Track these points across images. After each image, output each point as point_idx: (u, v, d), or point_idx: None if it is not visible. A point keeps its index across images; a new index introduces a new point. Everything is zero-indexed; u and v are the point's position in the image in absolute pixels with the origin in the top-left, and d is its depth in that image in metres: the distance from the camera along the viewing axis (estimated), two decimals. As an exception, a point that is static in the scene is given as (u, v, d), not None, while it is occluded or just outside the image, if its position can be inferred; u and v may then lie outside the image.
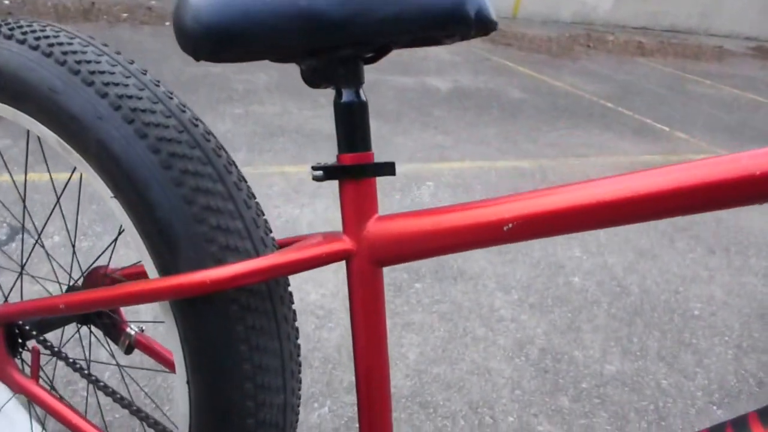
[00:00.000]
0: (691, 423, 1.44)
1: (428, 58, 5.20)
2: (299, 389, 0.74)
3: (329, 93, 3.21)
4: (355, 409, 1.36)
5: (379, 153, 2.98)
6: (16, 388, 0.88)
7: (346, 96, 0.60)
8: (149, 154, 0.63)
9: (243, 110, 3.28)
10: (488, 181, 2.77)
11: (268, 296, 0.66)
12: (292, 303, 0.71)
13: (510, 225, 0.54)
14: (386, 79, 4.30)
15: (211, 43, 0.55)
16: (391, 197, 2.49)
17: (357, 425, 1.32)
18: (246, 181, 0.70)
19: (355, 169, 0.61)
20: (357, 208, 0.62)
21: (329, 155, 2.84)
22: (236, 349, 0.65)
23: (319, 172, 0.61)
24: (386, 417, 0.68)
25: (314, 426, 1.32)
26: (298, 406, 0.75)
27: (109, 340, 0.98)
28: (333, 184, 2.51)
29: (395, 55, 5.09)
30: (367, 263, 0.62)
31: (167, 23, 5.15)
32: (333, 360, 1.50)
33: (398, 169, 2.80)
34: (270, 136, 2.97)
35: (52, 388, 0.95)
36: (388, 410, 0.68)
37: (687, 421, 1.45)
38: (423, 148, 3.09)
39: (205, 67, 4.00)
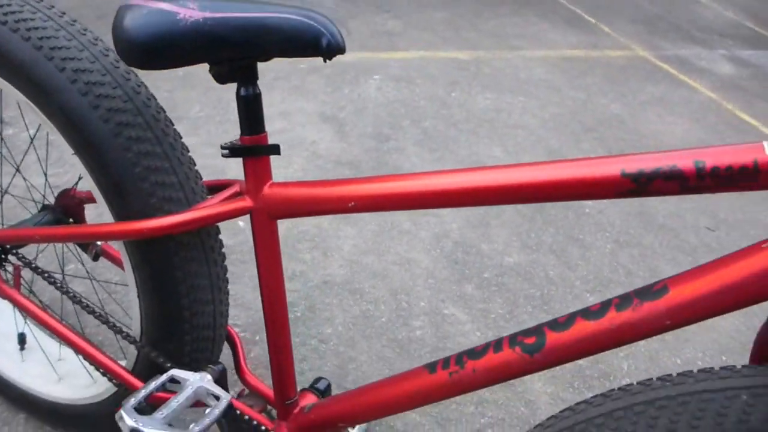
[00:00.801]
0: (568, 307, 1.58)
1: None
2: (226, 301, 0.85)
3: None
4: (296, 294, 1.45)
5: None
6: (2, 295, 0.93)
7: (244, 91, 0.65)
8: (101, 123, 0.69)
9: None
10: (429, 74, 2.71)
11: (197, 235, 0.76)
12: (218, 234, 0.80)
13: (353, 203, 0.64)
14: None
15: (141, 55, 0.60)
16: (341, 91, 2.43)
17: (297, 309, 1.42)
18: (180, 137, 0.76)
19: (252, 149, 0.68)
20: (256, 177, 0.70)
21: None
22: (173, 275, 0.76)
23: (226, 151, 0.69)
24: (286, 331, 0.78)
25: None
26: (226, 312, 0.86)
27: (80, 252, 1.02)
28: (295, 78, 2.43)
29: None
30: (264, 217, 0.71)
31: None
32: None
33: (350, 58, 2.70)
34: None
35: (32, 294, 1.00)
36: (287, 327, 0.78)
37: (565, 305, 1.59)
38: (374, 35, 2.96)
39: None
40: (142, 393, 0.64)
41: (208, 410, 0.64)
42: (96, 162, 0.70)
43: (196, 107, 2.11)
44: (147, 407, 0.64)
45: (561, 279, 1.67)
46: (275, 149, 0.68)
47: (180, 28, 0.58)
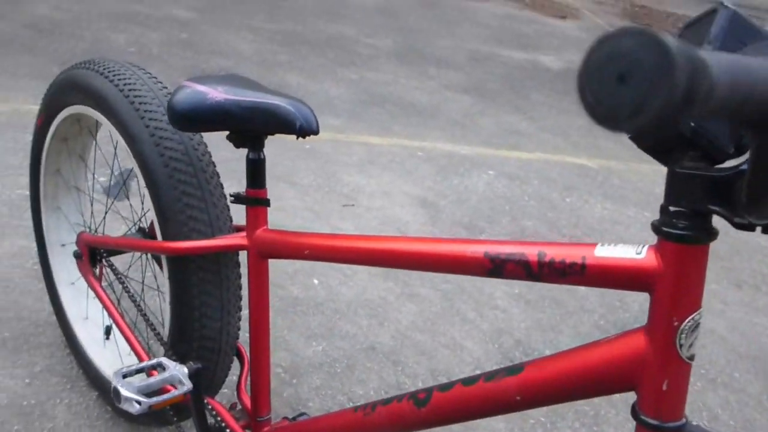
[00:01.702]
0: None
1: (554, 34, 5.08)
2: (235, 323, 1.09)
3: (439, 67, 3.35)
4: (342, 352, 1.64)
5: (464, 132, 3.12)
6: (89, 285, 1.27)
7: (252, 155, 0.91)
8: (162, 166, 1.00)
9: (358, 77, 3.53)
10: (548, 177, 2.84)
11: (216, 262, 1.01)
12: (236, 265, 1.05)
13: (307, 251, 0.85)
14: (500, 54, 4.31)
15: (181, 120, 0.87)
16: (449, 181, 2.66)
17: (338, 364, 1.61)
18: (221, 186, 1.05)
19: (252, 200, 0.93)
20: (253, 222, 0.94)
21: (414, 128, 3.03)
22: (190, 290, 1.01)
23: (232, 198, 0.95)
24: (266, 356, 1.00)
25: (311, 355, 1.62)
26: (235, 332, 1.10)
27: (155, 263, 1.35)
28: (408, 163, 2.72)
29: (519, 27, 4.95)
30: (256, 255, 0.94)
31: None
32: (341, 312, 1.78)
33: (468, 151, 2.94)
34: (370, 104, 3.21)
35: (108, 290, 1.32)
36: (267, 352, 1.00)
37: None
38: (501, 133, 3.18)
39: (341, 27, 4.26)
40: (134, 367, 0.88)
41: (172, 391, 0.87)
42: (154, 193, 1.00)
43: (310, 177, 2.47)
44: (136, 377, 0.88)
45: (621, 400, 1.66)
46: (268, 202, 0.93)
47: (208, 105, 0.86)
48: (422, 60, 3.93)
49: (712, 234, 0.53)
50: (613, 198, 2.76)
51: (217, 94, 0.85)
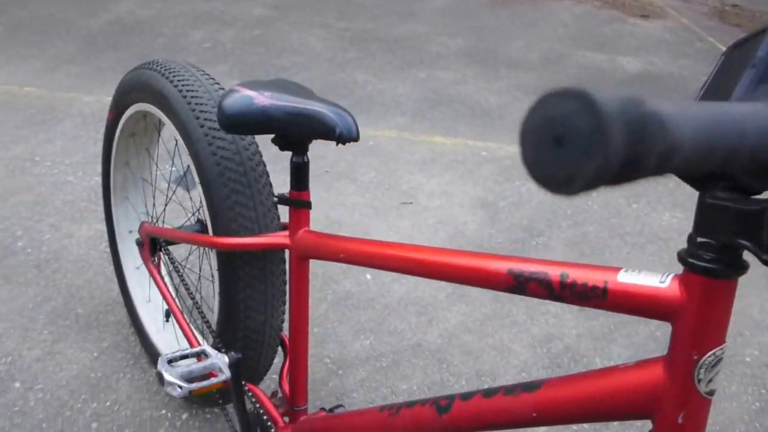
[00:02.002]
0: None
1: (634, 34, 4.93)
2: (279, 316, 1.15)
3: (509, 67, 3.33)
4: (389, 347, 1.69)
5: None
6: (149, 272, 1.37)
7: (295, 158, 0.96)
8: (215, 165, 1.07)
9: (426, 75, 3.56)
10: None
11: (261, 259, 1.08)
12: (282, 263, 1.12)
13: (342, 254, 0.88)
14: (575, 54, 4.23)
15: (228, 122, 0.92)
16: (511, 183, 2.66)
17: (384, 359, 1.66)
18: (270, 185, 1.11)
19: (295, 201, 0.98)
20: (295, 223, 0.99)
21: (480, 128, 3.03)
22: (237, 283, 1.09)
23: (276, 199, 1.01)
24: (304, 349, 1.06)
25: (359, 349, 1.68)
26: (279, 325, 1.17)
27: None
28: (471, 163, 2.74)
29: (597, 27, 4.81)
30: (296, 255, 0.99)
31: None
32: (391, 308, 1.84)
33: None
34: (437, 103, 3.24)
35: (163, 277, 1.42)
36: (306, 346, 1.05)
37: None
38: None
39: (412, 25, 4.31)
40: (178, 353, 0.96)
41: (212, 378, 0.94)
42: (206, 190, 1.08)
43: (371, 174, 2.53)
44: (182, 363, 0.96)
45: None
46: (309, 205, 0.98)
47: (253, 109, 0.91)
48: (493, 59, 3.91)
49: (741, 269, 0.51)
50: (683, 206, 2.67)
51: (263, 99, 0.91)
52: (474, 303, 1.92)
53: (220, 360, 0.98)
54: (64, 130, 2.48)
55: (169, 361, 0.96)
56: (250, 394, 1.08)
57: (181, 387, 0.92)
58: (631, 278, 0.57)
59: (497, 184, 2.62)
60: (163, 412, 1.41)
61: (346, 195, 2.36)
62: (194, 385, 0.93)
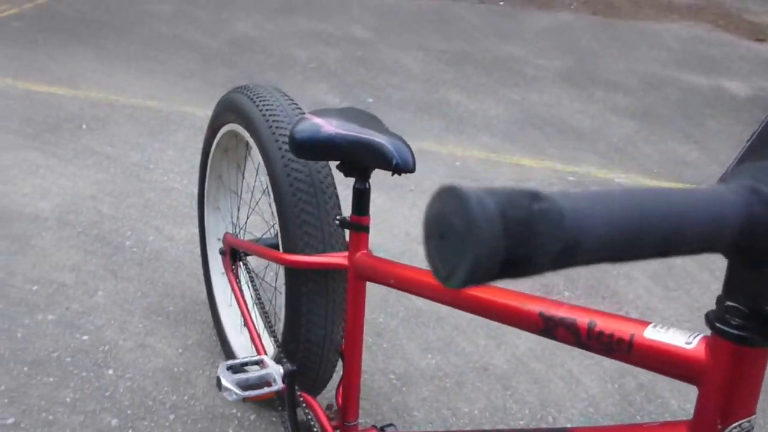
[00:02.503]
0: None
1: (746, 58, 4.55)
2: (340, 332, 1.16)
3: (606, 90, 3.20)
4: (454, 368, 1.65)
5: (622, 159, 2.94)
6: (228, 278, 1.43)
7: (358, 185, 0.96)
8: (288, 186, 1.10)
9: (520, 97, 3.48)
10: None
11: (324, 276, 1.10)
12: (344, 282, 1.12)
13: (391, 281, 0.87)
14: (678, 78, 3.97)
15: (296, 148, 0.94)
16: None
17: (448, 379, 1.62)
18: (339, 207, 1.13)
19: (355, 225, 0.98)
20: (354, 246, 0.99)
21: (570, 152, 2.92)
22: (300, 298, 1.11)
23: (337, 222, 1.02)
24: (357, 366, 1.05)
25: (425, 367, 1.66)
26: (339, 340, 1.17)
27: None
28: (556, 187, 2.64)
29: (705, 50, 4.52)
30: (354, 276, 0.99)
31: (501, 3, 5.40)
32: (460, 329, 1.80)
33: (625, 179, 2.77)
34: (528, 126, 3.15)
35: (240, 284, 1.47)
36: (359, 363, 1.05)
37: None
38: (664, 163, 2.94)
39: (510, 47, 4.23)
40: (238, 361, 0.99)
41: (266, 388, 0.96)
42: (279, 208, 1.11)
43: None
44: (240, 370, 0.99)
45: None
46: (368, 229, 0.98)
47: (320, 137, 0.92)
48: (590, 82, 3.76)
49: None
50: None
51: (329, 127, 0.92)
52: (546, 330, 1.84)
53: (275, 371, 0.99)
54: (177, 141, 2.65)
55: (229, 368, 0.98)
56: (304, 404, 1.09)
57: (236, 393, 0.95)
58: (658, 335, 0.54)
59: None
60: (234, 411, 1.45)
61: (427, 213, 2.35)
62: (247, 393, 0.95)
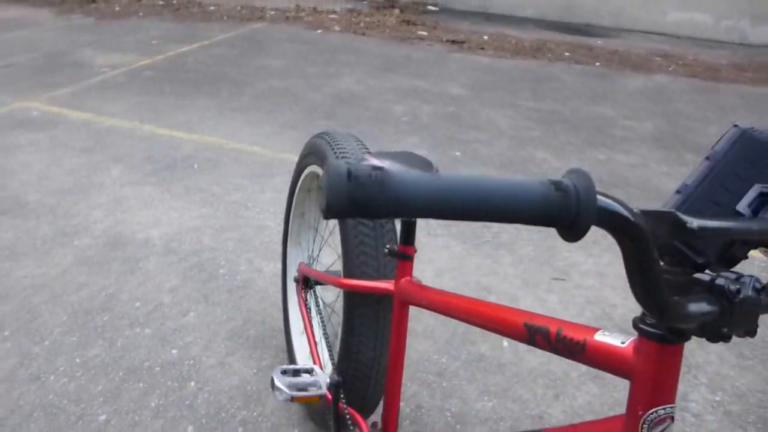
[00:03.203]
0: None
1: None
2: (385, 357, 1.22)
3: (697, 153, 3.11)
4: (509, 413, 1.66)
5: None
6: (299, 304, 1.54)
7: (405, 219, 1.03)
8: (351, 220, 1.18)
9: (606, 157, 3.45)
10: None
11: (374, 301, 1.18)
12: (390, 307, 1.18)
13: (424, 302, 0.95)
14: None
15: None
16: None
17: (502, 423, 1.62)
18: (396, 240, 1.22)
19: (400, 254, 1.06)
20: (400, 273, 1.07)
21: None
22: (353, 320, 1.20)
23: (386, 250, 1.11)
24: (398, 386, 1.12)
25: (480, 409, 1.67)
26: (385, 364, 1.23)
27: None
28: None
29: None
30: (399, 302, 1.07)
31: (597, 64, 5.39)
32: (520, 377, 1.80)
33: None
34: (610, 185, 3.11)
35: (309, 310, 1.57)
36: (399, 383, 1.12)
37: None
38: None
39: (601, 108, 4.20)
40: (292, 367, 1.09)
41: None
42: (342, 239, 1.21)
43: (529, 247, 2.51)
44: (293, 375, 1.09)
45: None
46: (412, 258, 1.07)
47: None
48: (680, 145, 3.65)
49: (684, 335, 0.54)
50: None
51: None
52: (606, 386, 1.80)
53: (321, 379, 1.08)
54: (275, 185, 2.86)
55: (283, 372, 1.09)
56: (349, 418, 1.16)
57: (285, 392, 1.05)
58: (603, 338, 0.61)
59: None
60: (296, 430, 1.54)
61: (501, 265, 2.38)
62: (294, 393, 1.04)
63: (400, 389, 1.11)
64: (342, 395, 1.18)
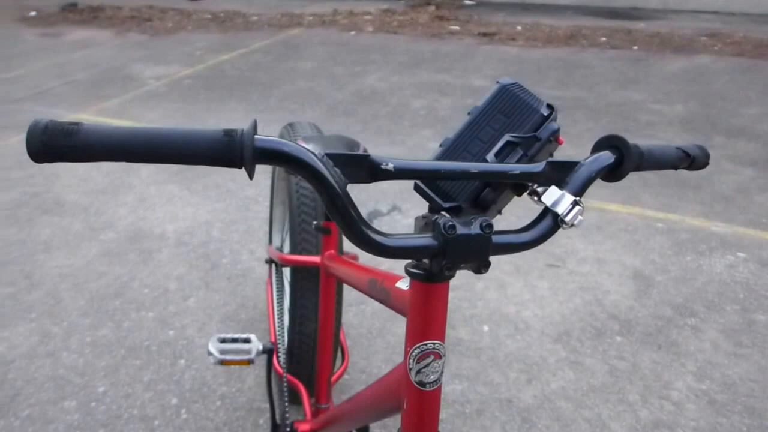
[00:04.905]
0: None
1: None
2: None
3: (728, 136, 3.02)
4: (478, 397, 1.69)
5: (727, 208, 2.72)
6: (267, 283, 1.64)
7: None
8: (296, 200, 1.30)
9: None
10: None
11: (314, 273, 1.26)
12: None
13: (339, 275, 1.01)
14: None
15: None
16: (681, 257, 2.37)
17: (469, 406, 1.66)
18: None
19: (323, 229, 1.15)
20: (325, 247, 1.16)
21: (666, 199, 2.76)
22: (295, 293, 1.29)
23: (312, 226, 1.19)
24: (328, 355, 1.20)
25: (449, 392, 1.71)
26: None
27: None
28: (640, 234, 2.53)
29: None
30: (324, 274, 1.16)
31: (634, 48, 5.21)
32: (496, 361, 1.82)
33: (724, 229, 2.55)
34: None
35: (273, 288, 1.66)
36: (330, 352, 1.20)
37: None
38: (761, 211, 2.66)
39: (629, 93, 4.08)
40: (229, 336, 1.19)
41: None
42: (290, 218, 1.30)
43: (526, 234, 2.51)
44: (231, 342, 1.19)
45: None
46: (330, 231, 1.14)
47: None
48: (710, 128, 3.50)
49: (445, 275, 0.57)
50: None
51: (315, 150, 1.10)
52: (585, 372, 1.79)
53: (254, 346, 1.18)
54: (287, 178, 2.99)
55: (221, 340, 1.19)
56: (286, 383, 1.24)
57: (215, 357, 1.16)
58: (399, 284, 0.68)
59: (662, 257, 2.37)
60: (266, 405, 1.64)
61: (495, 251, 2.39)
62: (222, 357, 1.14)
63: (330, 358, 1.19)
64: (283, 364, 1.27)
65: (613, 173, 0.64)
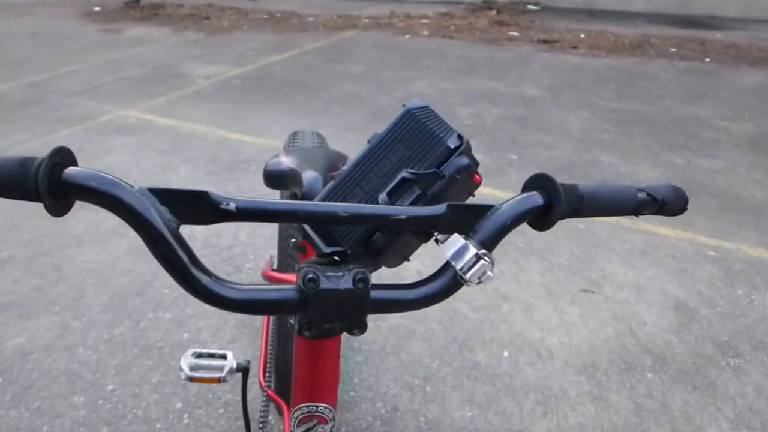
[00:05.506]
0: None
1: None
2: None
3: None
4: (488, 426, 1.64)
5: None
6: None
7: None
8: (285, 225, 1.29)
9: (685, 161, 3.21)
10: None
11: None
12: None
13: None
14: None
15: (266, 181, 1.11)
16: (732, 289, 2.23)
17: None
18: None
19: (302, 248, 1.12)
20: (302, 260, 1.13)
21: (723, 225, 2.62)
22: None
23: (292, 243, 1.17)
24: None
25: (458, 418, 1.68)
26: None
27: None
28: (689, 261, 2.41)
29: None
30: None
31: (707, 59, 4.98)
32: (511, 389, 1.77)
33: (781, 262, 2.39)
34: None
35: None
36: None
37: None
38: None
39: (695, 108, 3.90)
40: (206, 351, 1.19)
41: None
42: (279, 236, 1.31)
43: (565, 255, 2.43)
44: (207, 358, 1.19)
45: None
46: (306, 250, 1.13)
47: (277, 170, 1.09)
48: (782, 151, 3.30)
49: (305, 335, 0.52)
50: None
51: (288, 162, 1.09)
52: (608, 408, 1.72)
53: (229, 363, 1.18)
54: (320, 184, 3.02)
55: (197, 355, 1.20)
56: (264, 402, 1.24)
57: (185, 373, 1.16)
58: None
59: (711, 289, 2.24)
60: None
61: (526, 272, 2.33)
62: (192, 374, 1.15)
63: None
64: (269, 381, 1.27)
65: (539, 220, 0.55)
